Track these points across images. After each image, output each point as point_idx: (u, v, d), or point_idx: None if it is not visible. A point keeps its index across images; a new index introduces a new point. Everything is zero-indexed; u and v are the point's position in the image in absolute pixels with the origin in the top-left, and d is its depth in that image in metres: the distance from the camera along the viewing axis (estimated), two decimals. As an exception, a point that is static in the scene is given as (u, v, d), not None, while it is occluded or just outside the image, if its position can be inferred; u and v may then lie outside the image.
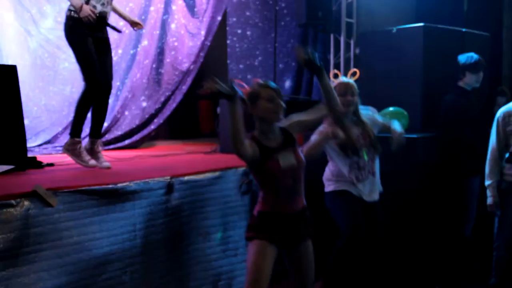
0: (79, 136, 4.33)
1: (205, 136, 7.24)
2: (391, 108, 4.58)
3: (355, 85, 3.80)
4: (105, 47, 4.37)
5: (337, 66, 5.74)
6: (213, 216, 4.08)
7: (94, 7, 4.19)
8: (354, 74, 3.88)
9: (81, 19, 4.11)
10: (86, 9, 4.11)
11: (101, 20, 4.26)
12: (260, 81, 3.08)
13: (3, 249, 2.90)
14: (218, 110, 5.86)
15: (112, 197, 3.42)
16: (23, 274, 2.97)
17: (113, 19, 4.56)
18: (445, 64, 4.84)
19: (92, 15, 4.13)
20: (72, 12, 4.17)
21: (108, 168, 4.28)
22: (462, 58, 4.58)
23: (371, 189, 3.78)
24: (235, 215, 4.31)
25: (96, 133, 4.45)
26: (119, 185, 3.47)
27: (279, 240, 3.06)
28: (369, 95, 4.93)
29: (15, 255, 2.96)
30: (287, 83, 6.15)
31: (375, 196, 3.81)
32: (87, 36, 4.19)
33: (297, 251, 3.13)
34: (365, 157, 3.73)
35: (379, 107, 4.66)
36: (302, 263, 3.14)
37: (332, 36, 5.87)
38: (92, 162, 4.30)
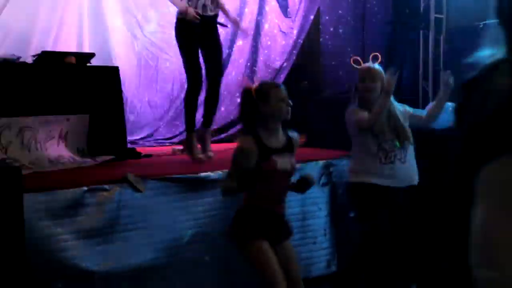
0: (190, 131, 4.72)
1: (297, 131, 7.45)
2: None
3: (378, 70, 3.66)
4: (212, 43, 4.73)
5: (425, 63, 5.76)
6: (293, 206, 4.33)
7: (196, 8, 4.53)
8: (376, 58, 3.73)
9: (187, 21, 4.49)
10: (191, 11, 4.48)
11: (206, 20, 4.60)
12: (268, 81, 3.21)
13: (98, 228, 3.36)
14: (310, 106, 6.11)
15: (195, 185, 3.79)
16: (115, 250, 3.41)
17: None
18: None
19: (197, 16, 4.49)
20: (179, 15, 4.57)
21: (210, 158, 4.64)
22: None
23: (399, 176, 3.65)
24: (315, 205, 4.53)
25: (206, 122, 4.85)
26: (201, 174, 3.83)
27: (270, 236, 3.02)
28: (453, 91, 4.98)
29: (109, 233, 3.41)
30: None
31: (403, 183, 3.68)
32: (192, 36, 4.57)
33: (283, 247, 3.11)
34: (397, 144, 3.62)
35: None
36: (290, 258, 3.12)
37: (421, 32, 5.89)
38: (199, 156, 4.64)
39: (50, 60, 4.39)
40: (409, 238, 3.94)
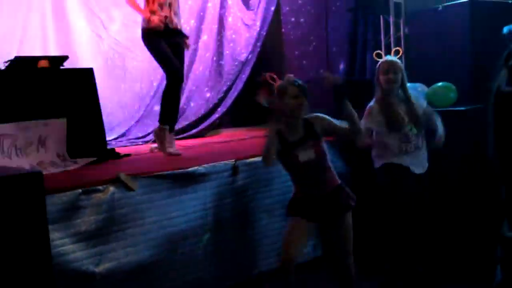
0: (165, 124, 4.83)
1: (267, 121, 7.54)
2: (439, 83, 4.77)
3: (399, 62, 3.96)
4: (177, 49, 4.88)
5: (387, 47, 5.91)
6: (275, 194, 4.42)
7: (160, 17, 4.68)
8: (397, 52, 4.09)
9: (152, 28, 4.65)
10: (154, 18, 4.64)
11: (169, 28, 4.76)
12: (290, 77, 3.42)
13: (95, 229, 3.36)
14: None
15: (185, 180, 3.82)
16: (113, 250, 3.42)
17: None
18: (494, 38, 4.94)
19: (161, 24, 4.66)
20: (144, 25, 4.72)
21: (179, 155, 4.70)
22: (506, 29, 4.67)
23: (417, 162, 3.94)
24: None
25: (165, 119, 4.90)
26: (190, 169, 3.87)
27: (311, 216, 3.48)
28: (419, 73, 5.14)
29: (105, 233, 3.41)
30: (341, 66, 6.39)
31: (421, 170, 3.97)
32: (160, 40, 4.71)
33: (331, 225, 3.52)
34: (414, 131, 3.89)
35: (429, 84, 4.86)
36: (336, 235, 3.53)
37: (381, 17, 6.06)
38: (170, 150, 4.74)
39: (23, 65, 4.32)
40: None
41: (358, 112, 3.59)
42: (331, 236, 3.58)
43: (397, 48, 4.13)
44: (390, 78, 3.89)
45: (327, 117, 3.50)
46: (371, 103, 4.00)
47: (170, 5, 4.77)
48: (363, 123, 3.81)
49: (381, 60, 4.00)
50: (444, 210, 4.46)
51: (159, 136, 4.85)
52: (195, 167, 3.88)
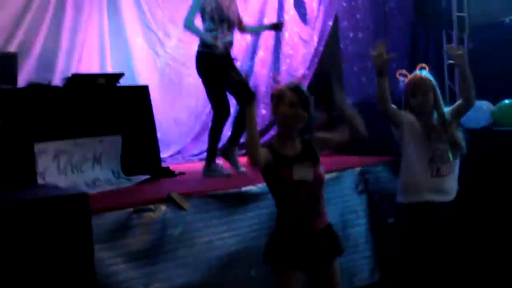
0: (211, 160, 4.67)
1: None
2: (506, 101, 4.55)
3: (428, 80, 3.42)
4: (234, 69, 4.75)
5: (450, 63, 5.71)
6: (331, 216, 4.27)
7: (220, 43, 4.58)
8: (423, 68, 3.51)
9: (212, 53, 4.52)
10: (220, 45, 4.54)
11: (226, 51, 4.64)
12: (293, 82, 2.89)
13: (145, 249, 3.32)
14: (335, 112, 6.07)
15: (237, 199, 3.75)
16: (163, 270, 3.37)
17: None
18: None
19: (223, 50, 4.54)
20: (203, 48, 4.60)
21: (243, 173, 4.58)
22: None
23: (446, 188, 3.43)
24: (353, 214, 4.49)
25: (234, 140, 4.84)
26: (243, 188, 3.79)
27: (302, 263, 2.80)
28: (484, 90, 4.91)
29: (156, 254, 3.36)
30: (401, 82, 6.20)
31: (449, 197, 3.46)
32: (215, 67, 4.58)
33: (321, 271, 2.87)
34: (450, 156, 3.40)
35: (495, 101, 4.64)
36: (326, 283, 2.89)
37: (444, 32, 5.85)
38: (227, 171, 4.62)
39: (80, 82, 4.37)
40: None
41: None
42: (321, 284, 2.91)
43: (423, 65, 3.54)
44: (419, 102, 3.39)
45: (319, 134, 2.94)
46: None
47: (229, 28, 4.66)
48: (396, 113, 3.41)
49: (406, 80, 3.50)
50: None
51: (227, 155, 4.76)
52: (248, 187, 3.79)
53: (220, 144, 4.88)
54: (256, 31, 5.06)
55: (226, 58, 4.63)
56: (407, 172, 3.49)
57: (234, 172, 4.64)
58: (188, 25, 4.63)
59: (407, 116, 3.45)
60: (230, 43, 4.70)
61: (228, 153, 4.74)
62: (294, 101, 2.76)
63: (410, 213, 3.45)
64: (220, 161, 4.79)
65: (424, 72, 3.48)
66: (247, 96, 2.68)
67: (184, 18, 4.66)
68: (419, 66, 3.51)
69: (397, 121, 3.46)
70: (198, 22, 4.73)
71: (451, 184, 3.47)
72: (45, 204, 2.43)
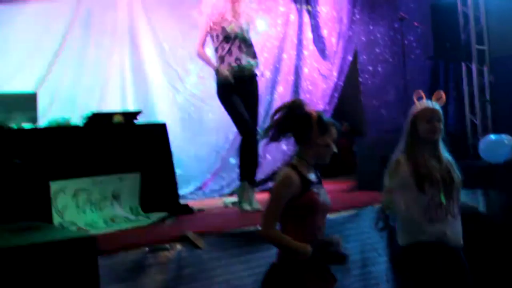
0: (244, 179, 4.70)
1: (344, 174, 7.35)
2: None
3: (440, 110, 3.30)
4: (250, 94, 4.76)
5: (471, 95, 5.67)
6: (352, 253, 4.20)
7: (229, 64, 4.60)
8: (439, 98, 3.35)
9: (222, 81, 4.58)
10: (222, 70, 4.56)
11: (241, 74, 4.65)
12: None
13: (162, 288, 3.30)
14: (355, 147, 6.05)
15: (254, 237, 3.71)
16: (179, 311, 3.35)
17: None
18: None
19: (229, 75, 4.55)
20: (216, 74, 4.66)
21: (260, 210, 4.56)
22: None
23: (451, 232, 3.21)
24: (374, 252, 4.42)
25: (245, 175, 4.78)
26: (259, 227, 3.75)
27: None
28: (506, 124, 4.87)
29: (171, 294, 3.34)
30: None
31: (457, 242, 3.24)
32: (229, 91, 4.62)
33: None
34: (442, 198, 3.19)
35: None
36: None
37: (463, 64, 5.83)
38: (246, 207, 4.60)
39: (99, 120, 4.42)
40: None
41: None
42: None
43: (441, 93, 3.33)
44: (435, 126, 3.22)
45: None
46: (396, 155, 3.33)
47: (240, 47, 4.69)
48: (386, 182, 3.30)
49: (420, 106, 3.31)
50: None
51: (238, 192, 4.76)
52: (265, 225, 3.75)
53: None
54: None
55: (241, 79, 4.63)
56: (404, 218, 3.32)
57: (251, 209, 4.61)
58: (198, 53, 4.75)
59: (400, 169, 3.28)
60: (237, 64, 4.67)
61: (240, 190, 4.72)
62: (336, 139, 2.78)
63: (413, 253, 3.27)
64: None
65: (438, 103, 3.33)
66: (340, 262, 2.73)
67: (196, 47, 4.77)
68: (436, 94, 3.32)
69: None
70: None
71: (450, 229, 3.23)
72: (50, 248, 2.44)
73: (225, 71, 4.58)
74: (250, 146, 4.70)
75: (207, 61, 4.78)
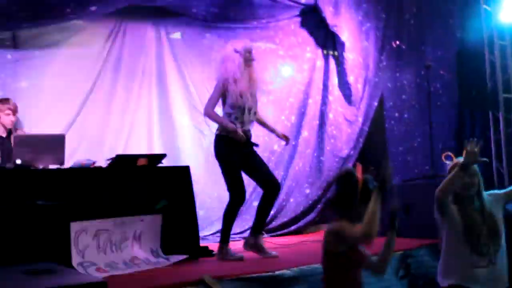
0: (225, 242, 4.60)
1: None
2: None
3: (474, 165, 3.27)
4: (251, 158, 4.72)
5: (497, 143, 5.62)
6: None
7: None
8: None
9: (231, 138, 4.56)
10: (240, 131, 4.54)
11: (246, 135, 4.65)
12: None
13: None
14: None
15: (271, 283, 3.70)
16: None
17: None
18: None
19: (243, 135, 4.56)
20: (222, 132, 4.64)
21: (275, 257, 4.56)
22: None
23: (491, 280, 3.24)
24: (394, 300, 4.35)
25: (258, 229, 4.77)
26: (277, 272, 3.75)
27: None
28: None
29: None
30: (448, 163, 6.12)
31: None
32: (234, 152, 4.60)
33: None
34: (491, 248, 3.24)
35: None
36: None
37: (490, 113, 5.79)
38: (239, 255, 4.54)
39: (123, 163, 4.50)
40: None
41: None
42: None
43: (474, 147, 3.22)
44: (466, 182, 3.26)
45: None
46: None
47: (248, 115, 4.65)
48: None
49: (452, 162, 3.39)
50: None
51: (256, 246, 4.66)
52: (282, 271, 3.75)
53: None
54: (264, 126, 5.05)
55: (245, 143, 4.62)
56: (446, 261, 3.36)
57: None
58: (208, 113, 4.68)
59: (452, 208, 3.33)
60: (249, 130, 4.70)
61: (256, 244, 4.68)
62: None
63: None
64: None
65: None
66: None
67: (205, 106, 4.73)
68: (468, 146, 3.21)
69: (443, 212, 3.35)
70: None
71: (498, 274, 3.27)
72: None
73: (241, 131, 4.55)
74: (234, 210, 4.65)
75: (219, 121, 4.66)
